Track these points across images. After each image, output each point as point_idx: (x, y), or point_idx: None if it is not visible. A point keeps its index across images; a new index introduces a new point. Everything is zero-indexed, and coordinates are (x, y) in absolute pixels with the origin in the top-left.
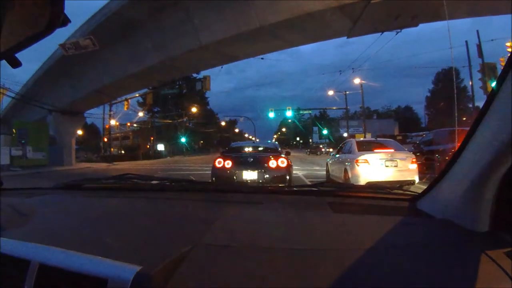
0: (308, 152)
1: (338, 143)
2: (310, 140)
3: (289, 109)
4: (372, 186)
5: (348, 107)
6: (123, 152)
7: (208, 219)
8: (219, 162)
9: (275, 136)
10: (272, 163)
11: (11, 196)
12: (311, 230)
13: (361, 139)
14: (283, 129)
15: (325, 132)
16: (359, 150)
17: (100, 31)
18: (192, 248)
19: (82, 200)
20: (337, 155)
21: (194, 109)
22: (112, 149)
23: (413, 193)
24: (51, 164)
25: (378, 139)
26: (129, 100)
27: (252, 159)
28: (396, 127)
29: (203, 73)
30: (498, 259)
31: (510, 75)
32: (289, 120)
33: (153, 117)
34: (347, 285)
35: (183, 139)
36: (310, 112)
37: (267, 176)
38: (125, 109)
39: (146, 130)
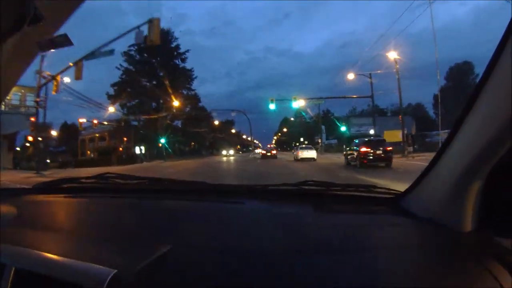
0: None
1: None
2: (320, 140)
3: (295, 99)
4: (355, 185)
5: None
6: (93, 155)
7: (187, 219)
8: (262, 152)
9: (275, 137)
10: (272, 152)
11: None
12: (292, 231)
13: (302, 145)
14: (284, 129)
15: (343, 129)
16: (298, 149)
17: None
18: (170, 249)
19: (59, 201)
20: (296, 150)
21: (176, 103)
22: (88, 152)
23: (396, 192)
24: None
25: (305, 145)
26: (58, 79)
27: (268, 151)
28: (414, 125)
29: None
30: (482, 260)
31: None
32: (291, 119)
33: (129, 113)
34: (328, 286)
35: (162, 140)
36: (321, 102)
37: (271, 155)
38: (53, 92)
39: (120, 129)
